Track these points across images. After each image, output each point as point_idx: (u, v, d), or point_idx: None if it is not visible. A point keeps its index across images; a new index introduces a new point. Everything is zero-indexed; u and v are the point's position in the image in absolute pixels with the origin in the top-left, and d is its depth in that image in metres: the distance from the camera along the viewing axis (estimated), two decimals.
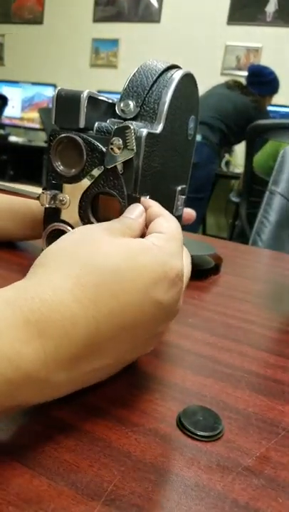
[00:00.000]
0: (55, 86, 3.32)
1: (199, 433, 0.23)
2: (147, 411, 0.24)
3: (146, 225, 0.27)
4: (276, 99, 2.21)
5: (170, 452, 0.22)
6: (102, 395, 0.25)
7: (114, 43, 3.34)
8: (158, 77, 0.31)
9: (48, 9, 3.52)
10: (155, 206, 0.27)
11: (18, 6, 3.62)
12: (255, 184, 1.51)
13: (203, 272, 0.50)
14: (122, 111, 0.30)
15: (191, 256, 0.58)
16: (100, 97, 0.30)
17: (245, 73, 2.70)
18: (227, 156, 2.71)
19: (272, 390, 0.28)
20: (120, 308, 0.21)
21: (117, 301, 0.21)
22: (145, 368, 0.29)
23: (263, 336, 0.36)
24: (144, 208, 0.27)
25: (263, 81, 2.11)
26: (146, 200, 0.28)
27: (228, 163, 2.75)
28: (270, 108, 2.33)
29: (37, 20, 3.58)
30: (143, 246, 0.23)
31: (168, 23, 3.12)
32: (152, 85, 0.30)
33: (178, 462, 0.21)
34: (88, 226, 0.25)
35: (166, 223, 0.26)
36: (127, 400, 0.25)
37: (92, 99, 0.29)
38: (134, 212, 0.27)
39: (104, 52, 3.41)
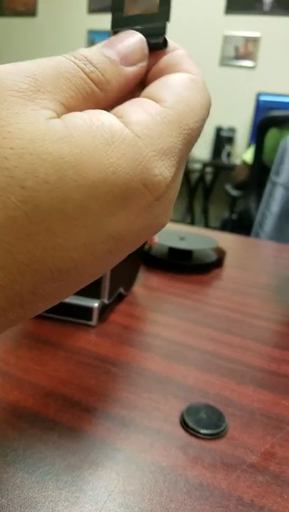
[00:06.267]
0: None
1: (203, 431, 0.22)
2: (149, 410, 0.24)
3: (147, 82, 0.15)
4: (283, 88, 2.16)
5: (173, 451, 0.21)
6: (102, 395, 0.25)
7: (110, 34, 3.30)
8: None
9: (41, 0, 3.47)
10: (182, 54, 0.16)
11: None
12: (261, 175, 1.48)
13: (205, 266, 0.49)
14: None
15: (192, 251, 0.57)
16: None
17: (245, 63, 2.68)
18: (228, 147, 2.69)
19: (277, 385, 0.28)
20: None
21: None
22: (146, 365, 0.29)
23: (267, 330, 0.36)
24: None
25: None
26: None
27: (229, 155, 2.72)
28: (275, 99, 2.27)
29: (30, 12, 3.53)
30: (109, 136, 0.11)
31: None
32: None
33: (181, 461, 0.21)
34: None
35: (184, 82, 0.14)
36: (127, 400, 0.25)
37: None
38: (121, 43, 0.14)
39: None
